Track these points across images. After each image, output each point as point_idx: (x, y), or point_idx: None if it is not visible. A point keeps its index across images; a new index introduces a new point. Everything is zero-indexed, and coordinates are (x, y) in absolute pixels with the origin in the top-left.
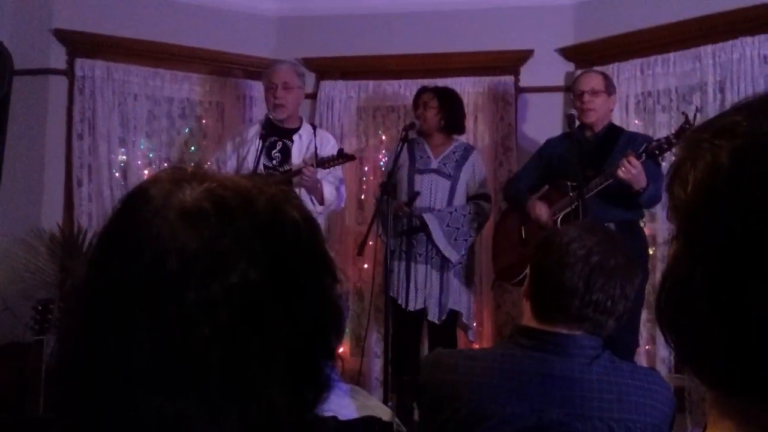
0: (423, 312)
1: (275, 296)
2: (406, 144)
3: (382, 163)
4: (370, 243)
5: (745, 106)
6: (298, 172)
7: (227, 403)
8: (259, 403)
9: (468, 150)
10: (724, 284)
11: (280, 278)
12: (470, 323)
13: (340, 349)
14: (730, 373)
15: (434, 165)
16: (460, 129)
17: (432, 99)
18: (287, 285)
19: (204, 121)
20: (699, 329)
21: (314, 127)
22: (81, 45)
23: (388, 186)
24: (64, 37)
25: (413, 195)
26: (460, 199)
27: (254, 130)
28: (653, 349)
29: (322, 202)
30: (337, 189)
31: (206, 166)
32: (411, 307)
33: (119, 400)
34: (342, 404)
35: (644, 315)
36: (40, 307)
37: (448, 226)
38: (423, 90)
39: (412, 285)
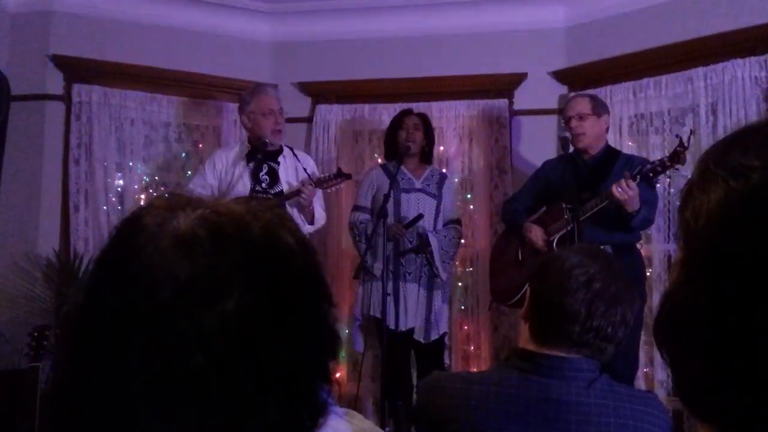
0: (412, 332)
1: (271, 322)
2: (382, 169)
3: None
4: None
5: (760, 145)
6: (297, 192)
7: (223, 427)
8: (256, 427)
9: (443, 175)
10: (728, 312)
11: (275, 304)
12: (449, 345)
13: (337, 374)
14: (727, 407)
15: (418, 185)
16: (431, 158)
17: (420, 123)
18: (282, 310)
19: (200, 145)
20: (695, 357)
21: (291, 149)
22: (78, 70)
23: (384, 211)
24: (61, 62)
25: (416, 218)
26: (442, 220)
27: (234, 154)
28: (651, 372)
29: (312, 221)
30: (323, 208)
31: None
32: (401, 327)
33: (114, 426)
34: (338, 429)
35: (642, 337)
36: (35, 334)
37: (443, 248)
38: (409, 112)
39: (401, 305)
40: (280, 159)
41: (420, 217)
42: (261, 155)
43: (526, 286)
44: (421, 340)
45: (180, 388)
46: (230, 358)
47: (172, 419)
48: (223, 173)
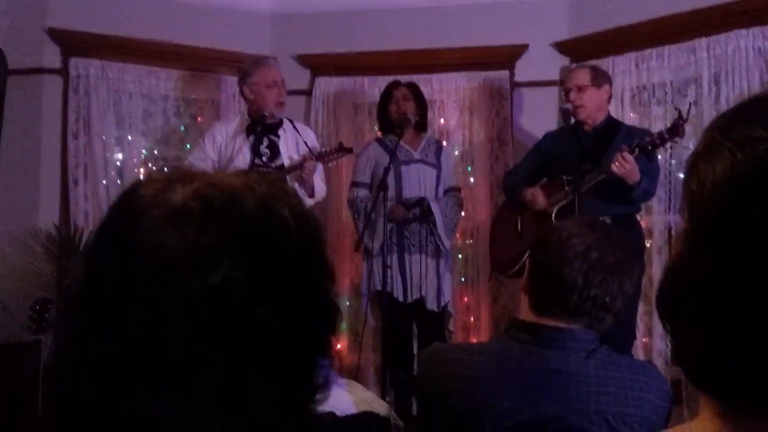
0: (418, 303)
1: (262, 296)
2: (378, 143)
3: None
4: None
5: (766, 117)
6: (299, 166)
7: (209, 403)
8: (243, 403)
9: (440, 143)
10: (734, 279)
11: (267, 278)
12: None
13: (338, 346)
14: (731, 376)
15: (417, 156)
16: (426, 126)
17: (409, 93)
18: (275, 284)
19: (199, 118)
20: (699, 326)
21: (291, 121)
22: (75, 44)
23: (384, 183)
24: (58, 36)
25: (418, 201)
26: (443, 188)
27: (233, 128)
28: (650, 342)
29: (312, 194)
30: (323, 181)
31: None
32: (408, 299)
33: (100, 399)
34: (339, 400)
35: (641, 308)
36: (37, 307)
37: (445, 216)
38: (397, 83)
39: (407, 276)
40: (281, 132)
41: (423, 202)
42: (261, 128)
43: (525, 257)
44: (434, 308)
45: (164, 362)
46: (217, 331)
47: (155, 395)
48: (223, 147)
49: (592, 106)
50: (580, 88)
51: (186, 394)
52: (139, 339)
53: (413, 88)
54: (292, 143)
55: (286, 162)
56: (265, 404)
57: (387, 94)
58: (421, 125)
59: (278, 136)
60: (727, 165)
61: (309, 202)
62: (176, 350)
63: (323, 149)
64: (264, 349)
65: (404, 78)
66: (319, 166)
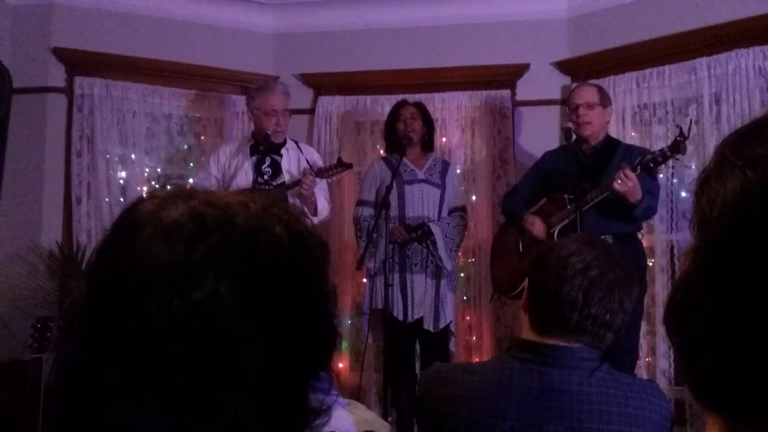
0: (419, 322)
1: (249, 314)
2: (383, 162)
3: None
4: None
5: None
6: (298, 182)
7: (191, 418)
8: (226, 421)
9: (446, 163)
10: (742, 301)
11: (255, 295)
12: (455, 332)
13: (339, 365)
14: (737, 396)
15: (421, 176)
16: (433, 145)
17: (417, 112)
18: (263, 302)
19: (203, 137)
20: (705, 345)
21: (296, 142)
22: (80, 63)
23: (386, 201)
24: (62, 55)
25: (420, 226)
26: (446, 209)
27: (237, 147)
28: (653, 361)
29: (315, 213)
30: (327, 200)
31: (189, 184)
32: (409, 319)
33: (87, 411)
34: (341, 420)
35: (644, 327)
36: (39, 325)
37: (446, 237)
38: (404, 103)
39: (408, 295)
40: (283, 151)
41: (424, 226)
42: (263, 147)
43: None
44: (431, 329)
45: (147, 375)
46: (202, 346)
47: (138, 407)
48: (226, 166)
49: (598, 124)
50: (590, 105)
51: (168, 407)
52: (129, 352)
53: (420, 107)
54: (294, 163)
55: (287, 180)
56: (252, 422)
57: (395, 113)
58: (428, 145)
59: (281, 156)
60: (738, 183)
61: (313, 220)
62: (163, 365)
63: (323, 165)
64: (251, 368)
65: (406, 97)
66: (324, 185)
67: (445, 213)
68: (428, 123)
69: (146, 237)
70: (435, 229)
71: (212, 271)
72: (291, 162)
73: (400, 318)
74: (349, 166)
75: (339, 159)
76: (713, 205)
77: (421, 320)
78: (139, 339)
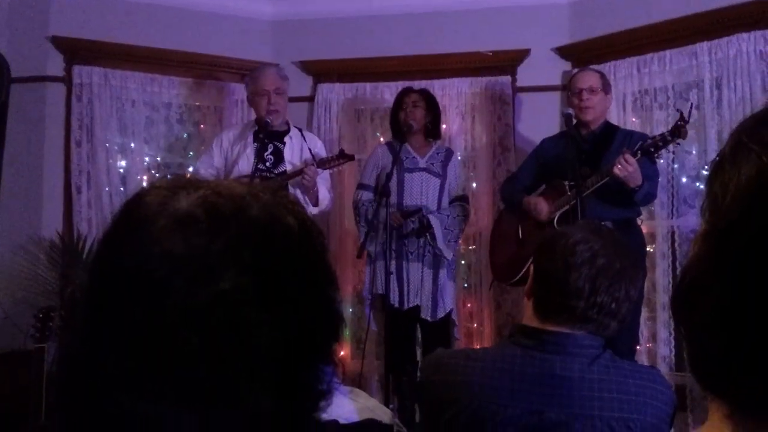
0: (416, 310)
1: (266, 304)
2: (387, 147)
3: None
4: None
5: None
6: (299, 172)
7: (211, 408)
8: (245, 410)
9: (449, 152)
10: (753, 286)
11: (271, 285)
12: (457, 320)
13: (341, 353)
14: (745, 382)
15: (422, 164)
16: (439, 133)
17: (420, 100)
18: (279, 292)
19: (202, 126)
20: (714, 331)
21: (300, 130)
22: (78, 52)
23: (386, 189)
24: (61, 44)
25: (415, 210)
26: (447, 198)
27: (240, 133)
28: (654, 348)
29: (316, 203)
30: (328, 190)
31: (189, 172)
32: (405, 306)
33: (102, 403)
34: (342, 407)
35: (644, 313)
36: (40, 315)
37: (446, 228)
38: (408, 90)
39: (405, 283)
40: (286, 139)
41: (419, 211)
42: (264, 135)
43: (529, 264)
44: (428, 318)
45: (167, 367)
46: (222, 337)
47: (157, 399)
48: (229, 152)
49: (599, 110)
50: (593, 90)
51: (187, 398)
52: (144, 345)
53: (425, 94)
54: (297, 151)
55: (289, 169)
56: (267, 410)
57: (399, 101)
58: (432, 132)
59: (284, 143)
60: (754, 169)
61: (313, 210)
62: (181, 357)
63: (325, 156)
64: (265, 357)
65: (406, 84)
66: (326, 176)
67: (445, 202)
68: (433, 110)
69: (158, 229)
70: (434, 221)
71: (233, 262)
72: (294, 151)
73: (396, 305)
74: (351, 157)
75: (341, 150)
76: (726, 191)
77: (418, 308)
78: (151, 330)
